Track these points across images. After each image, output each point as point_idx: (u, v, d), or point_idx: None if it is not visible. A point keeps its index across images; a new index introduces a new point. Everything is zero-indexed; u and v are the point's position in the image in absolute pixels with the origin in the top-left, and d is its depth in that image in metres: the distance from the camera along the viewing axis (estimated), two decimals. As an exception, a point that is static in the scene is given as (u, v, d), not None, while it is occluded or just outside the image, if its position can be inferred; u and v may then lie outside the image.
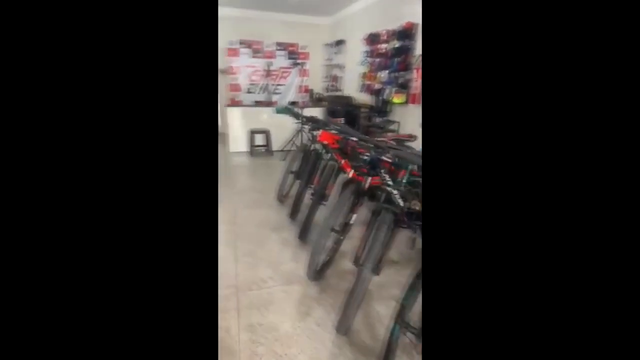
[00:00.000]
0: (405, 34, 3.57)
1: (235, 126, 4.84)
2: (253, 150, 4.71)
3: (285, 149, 4.89)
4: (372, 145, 1.89)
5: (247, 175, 3.81)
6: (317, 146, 2.50)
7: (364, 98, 4.90)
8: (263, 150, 4.81)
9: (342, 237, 1.86)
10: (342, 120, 4.70)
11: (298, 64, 4.60)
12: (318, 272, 1.78)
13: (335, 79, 6.17)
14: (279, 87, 6.02)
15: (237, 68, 5.73)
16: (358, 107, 4.90)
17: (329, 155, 2.22)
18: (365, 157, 1.77)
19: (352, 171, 1.81)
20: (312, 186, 2.48)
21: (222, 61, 5.82)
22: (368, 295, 1.69)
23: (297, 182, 2.79)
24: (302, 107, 4.69)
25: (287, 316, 1.57)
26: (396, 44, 3.77)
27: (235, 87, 5.81)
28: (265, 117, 4.92)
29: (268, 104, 5.71)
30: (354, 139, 2.07)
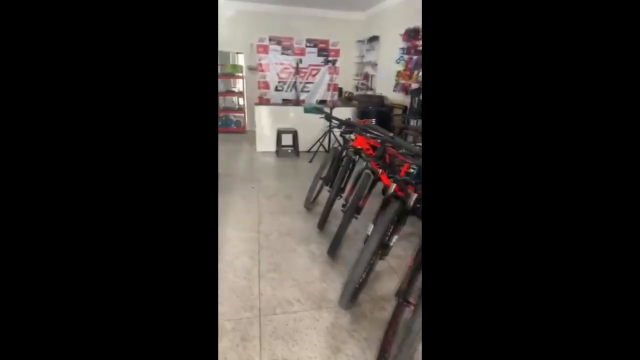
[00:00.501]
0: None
1: (263, 125, 4.72)
2: (280, 150, 4.57)
3: (312, 150, 4.72)
4: (413, 154, 1.65)
5: (273, 177, 3.66)
6: (350, 152, 2.29)
7: (398, 98, 4.61)
8: (290, 150, 4.65)
9: (379, 260, 1.64)
10: (372, 121, 4.45)
11: (329, 61, 4.39)
12: (351, 300, 1.57)
13: (367, 77, 5.90)
14: (307, 85, 5.84)
15: (266, 65, 5.61)
16: (391, 107, 4.62)
17: (365, 163, 1.99)
18: (412, 170, 1.54)
19: (394, 185, 1.58)
20: (343, 195, 2.26)
21: (252, 58, 5.73)
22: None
23: (326, 188, 2.59)
24: (331, 107, 4.48)
25: (316, 350, 1.37)
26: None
27: (264, 85, 5.70)
28: (293, 116, 4.75)
29: (296, 102, 5.56)
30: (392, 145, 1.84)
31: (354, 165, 2.25)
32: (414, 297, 1.32)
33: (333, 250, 2.01)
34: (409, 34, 4.07)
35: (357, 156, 2.29)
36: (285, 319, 1.54)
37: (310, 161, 4.28)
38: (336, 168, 2.41)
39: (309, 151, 4.74)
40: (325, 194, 2.69)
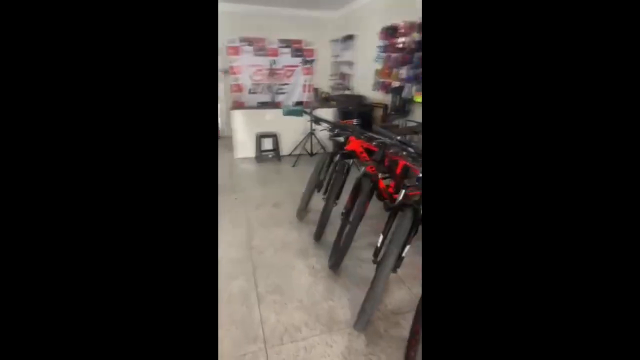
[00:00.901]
0: (429, 25, 3.22)
1: (241, 130, 4.49)
2: (260, 155, 4.36)
3: (294, 153, 4.56)
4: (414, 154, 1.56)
5: (257, 185, 3.46)
6: (344, 156, 2.16)
7: (378, 97, 4.56)
8: (271, 155, 4.46)
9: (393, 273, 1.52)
10: (354, 121, 4.37)
11: (308, 61, 4.25)
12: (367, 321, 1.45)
13: (343, 76, 5.82)
14: (283, 86, 5.67)
15: (238, 68, 5.37)
16: (371, 106, 4.56)
17: (363, 168, 1.87)
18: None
19: (404, 192, 1.47)
20: (337, 201, 2.13)
21: (223, 61, 5.47)
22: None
23: (321, 196, 2.45)
24: (310, 108, 4.35)
25: (334, 383, 1.24)
26: (417, 37, 3.43)
27: (237, 88, 5.45)
28: (271, 119, 4.57)
29: (273, 105, 5.37)
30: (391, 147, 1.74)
31: (348, 171, 2.13)
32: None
33: (335, 263, 1.88)
34: (387, 32, 4.02)
35: (353, 161, 2.17)
36: (295, 348, 1.38)
37: (294, 165, 4.12)
38: (332, 175, 2.28)
39: (290, 155, 4.58)
40: (317, 202, 2.56)
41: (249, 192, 3.22)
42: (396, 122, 4.01)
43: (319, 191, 2.50)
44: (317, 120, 2.54)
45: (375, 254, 1.54)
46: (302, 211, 2.56)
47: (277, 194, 3.15)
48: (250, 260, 2.02)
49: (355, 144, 2.15)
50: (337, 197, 2.12)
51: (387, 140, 1.77)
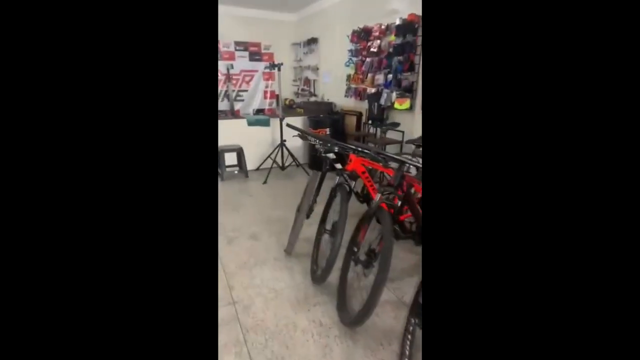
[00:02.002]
0: (407, 28, 3.03)
1: (198, 144, 3.89)
2: (224, 172, 3.82)
3: (262, 167, 4.09)
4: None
5: (225, 209, 2.94)
6: (344, 179, 1.81)
7: (350, 104, 4.30)
8: (236, 171, 3.94)
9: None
10: (327, 130, 4.05)
11: (275, 66, 3.83)
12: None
13: (307, 82, 5.49)
14: (241, 93, 5.16)
15: (190, 72, 4.74)
16: (342, 114, 4.28)
17: (378, 196, 1.53)
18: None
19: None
20: (331, 231, 1.75)
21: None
22: None
23: (305, 222, 2.06)
24: (282, 117, 3.93)
25: None
26: (395, 40, 3.22)
27: (189, 96, 4.82)
28: (233, 130, 4.04)
29: (232, 113, 4.84)
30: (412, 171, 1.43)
31: (349, 196, 1.78)
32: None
33: (358, 318, 1.42)
34: (358, 35, 3.77)
35: (354, 183, 1.82)
36: None
37: (265, 182, 3.66)
38: (329, 201, 1.90)
39: (258, 169, 4.10)
40: (307, 231, 2.16)
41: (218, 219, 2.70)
42: (372, 129, 3.77)
43: (308, 217, 2.11)
44: (303, 136, 2.14)
45: (413, 312, 1.20)
46: (292, 245, 2.13)
47: (252, 220, 2.68)
48: (236, 321, 1.55)
49: (356, 163, 1.80)
50: (337, 227, 1.75)
51: (402, 158, 1.45)
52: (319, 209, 2.00)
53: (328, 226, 1.88)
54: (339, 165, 2.02)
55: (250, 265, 2.03)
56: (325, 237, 1.88)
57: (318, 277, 1.78)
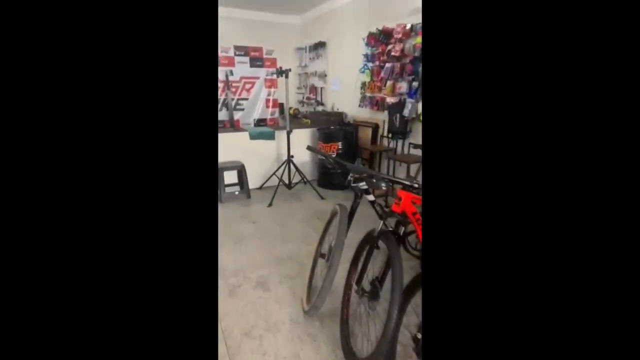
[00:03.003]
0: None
1: (193, 161, 3.41)
2: (224, 193, 3.34)
3: (266, 185, 3.62)
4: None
5: (225, 243, 2.46)
6: (390, 224, 1.35)
7: (364, 115, 3.86)
8: (237, 192, 3.46)
9: None
10: (339, 144, 3.59)
11: (283, 72, 3.39)
12: None
13: (314, 90, 5.05)
14: (241, 101, 4.72)
15: (185, 79, 4.30)
16: (355, 126, 3.84)
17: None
18: None
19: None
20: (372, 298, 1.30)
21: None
22: None
23: (331, 271, 1.59)
24: (289, 130, 3.48)
25: None
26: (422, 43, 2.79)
27: (184, 105, 4.37)
28: (232, 144, 3.58)
29: (231, 124, 4.39)
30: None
31: (398, 250, 1.31)
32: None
33: None
34: (376, 37, 3.34)
35: (402, 228, 1.36)
36: None
37: (270, 205, 3.18)
38: (368, 252, 1.43)
39: (261, 188, 3.64)
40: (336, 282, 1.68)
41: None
42: (391, 143, 3.33)
43: (327, 261, 1.64)
44: (335, 164, 1.66)
45: None
46: (312, 304, 1.64)
47: (258, 259, 2.20)
48: None
49: (406, 202, 1.34)
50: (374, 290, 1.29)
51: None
52: (348, 253, 1.52)
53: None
54: (371, 197, 1.57)
55: (260, 331, 1.55)
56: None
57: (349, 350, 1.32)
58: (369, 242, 1.46)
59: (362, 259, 1.47)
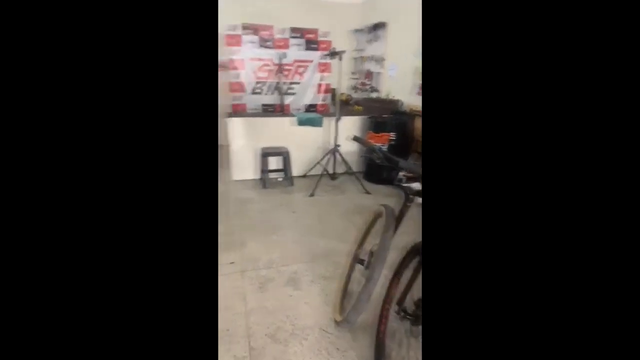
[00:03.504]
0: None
1: (240, 142, 3.41)
2: (266, 178, 3.29)
3: (310, 174, 3.49)
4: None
5: (262, 230, 2.39)
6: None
7: (420, 103, 3.48)
8: (280, 178, 3.39)
9: None
10: (390, 135, 3.29)
11: (336, 54, 3.18)
12: None
13: (369, 75, 4.74)
14: (293, 85, 4.61)
15: (239, 61, 4.29)
16: (411, 115, 3.48)
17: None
18: None
19: None
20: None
21: (221, 52, 4.40)
22: None
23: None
24: (329, 115, 3.28)
25: None
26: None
27: (238, 87, 4.38)
28: (279, 129, 3.49)
29: (281, 109, 4.31)
30: None
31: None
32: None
33: None
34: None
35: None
36: None
37: (312, 194, 3.05)
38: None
39: (305, 176, 3.52)
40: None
41: (250, 247, 2.14)
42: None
43: (366, 269, 1.44)
44: (378, 156, 1.43)
45: None
46: (347, 312, 1.46)
47: (292, 253, 2.08)
48: None
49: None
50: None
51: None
52: (391, 256, 1.30)
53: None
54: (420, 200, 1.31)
55: (286, 335, 1.42)
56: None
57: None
58: (417, 255, 1.22)
59: (406, 273, 1.25)
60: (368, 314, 1.43)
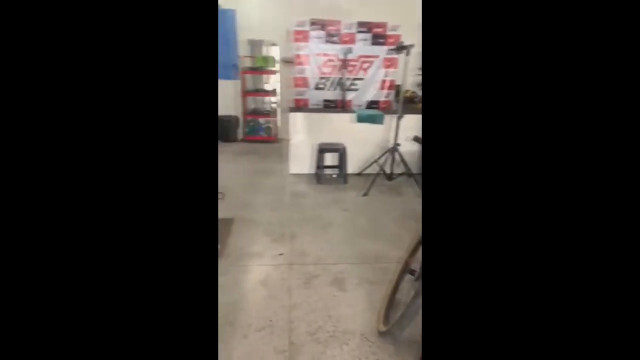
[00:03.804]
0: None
1: (299, 136, 3.48)
2: (321, 174, 3.31)
3: (365, 172, 3.41)
4: None
5: (312, 225, 2.41)
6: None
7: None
8: (335, 175, 3.38)
9: None
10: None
11: (404, 48, 3.03)
12: None
13: (438, 72, 4.43)
14: (356, 81, 4.53)
15: (305, 57, 4.37)
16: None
17: None
18: None
19: None
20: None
21: (288, 48, 4.53)
22: None
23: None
24: (391, 113, 3.13)
25: None
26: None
27: (302, 82, 4.47)
28: (338, 125, 3.46)
29: (342, 105, 4.28)
30: None
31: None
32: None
33: None
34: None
35: None
36: None
37: (366, 194, 2.97)
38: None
39: (360, 174, 3.45)
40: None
41: (300, 240, 2.18)
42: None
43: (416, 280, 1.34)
44: None
45: None
46: (393, 324, 1.38)
47: (340, 252, 2.05)
48: None
49: None
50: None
51: None
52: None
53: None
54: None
55: (326, 336, 1.41)
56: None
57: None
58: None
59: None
60: (414, 328, 1.34)
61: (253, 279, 1.77)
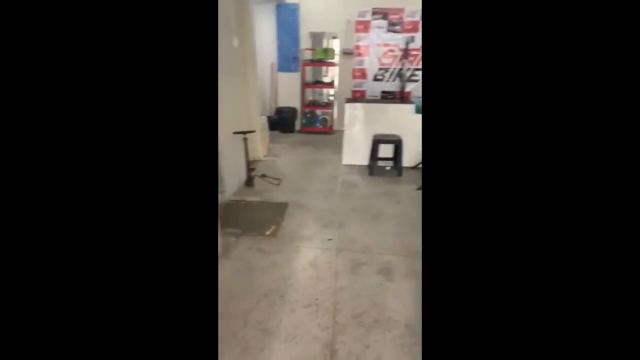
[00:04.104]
0: None
1: (353, 129, 3.48)
2: (375, 166, 3.28)
3: (419, 166, 3.29)
4: None
5: (362, 216, 2.42)
6: None
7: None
8: (389, 167, 3.32)
9: None
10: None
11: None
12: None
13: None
14: (416, 72, 4.36)
15: (364, 47, 4.32)
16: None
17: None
18: None
19: None
20: None
21: (349, 39, 4.52)
22: None
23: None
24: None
25: None
26: None
27: (360, 73, 4.44)
28: (395, 117, 3.38)
29: (401, 96, 4.16)
30: None
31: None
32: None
33: None
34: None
35: None
36: None
37: (420, 189, 2.88)
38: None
39: (414, 168, 3.34)
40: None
41: (348, 229, 2.21)
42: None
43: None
44: None
45: None
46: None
47: (389, 243, 2.04)
48: None
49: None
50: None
51: None
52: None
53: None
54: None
55: (370, 321, 1.43)
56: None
57: None
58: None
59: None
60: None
61: (303, 259, 1.86)
